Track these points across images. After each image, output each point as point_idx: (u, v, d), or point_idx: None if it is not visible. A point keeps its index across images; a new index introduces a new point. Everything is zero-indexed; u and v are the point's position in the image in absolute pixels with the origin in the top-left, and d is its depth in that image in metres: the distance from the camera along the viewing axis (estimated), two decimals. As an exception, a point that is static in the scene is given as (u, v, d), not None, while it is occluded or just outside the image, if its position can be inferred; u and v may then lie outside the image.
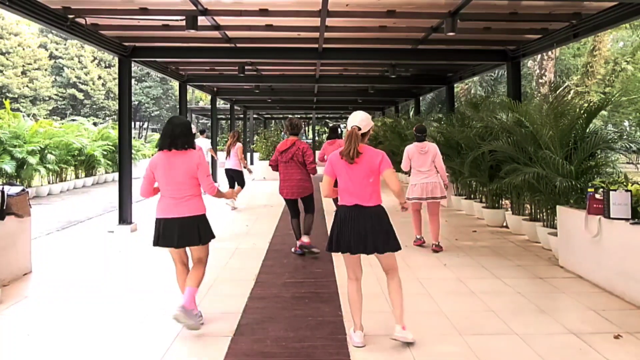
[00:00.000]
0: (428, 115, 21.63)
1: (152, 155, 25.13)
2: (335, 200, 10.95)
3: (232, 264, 7.70)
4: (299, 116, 39.14)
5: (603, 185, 6.58)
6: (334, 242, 4.75)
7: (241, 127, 33.94)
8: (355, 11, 8.86)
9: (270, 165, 8.56)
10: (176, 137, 5.03)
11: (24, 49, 48.58)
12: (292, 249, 8.41)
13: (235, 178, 12.96)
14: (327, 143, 12.37)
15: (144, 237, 9.77)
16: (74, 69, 51.79)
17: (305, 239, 8.21)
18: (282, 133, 36.18)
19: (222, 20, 9.54)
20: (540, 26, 10.02)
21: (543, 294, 6.22)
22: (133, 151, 15.65)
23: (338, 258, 7.88)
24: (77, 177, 22.07)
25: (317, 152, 11.22)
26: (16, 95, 46.23)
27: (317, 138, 44.51)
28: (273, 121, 50.31)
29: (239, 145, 13.05)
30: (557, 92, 9.50)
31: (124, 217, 10.80)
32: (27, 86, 47.85)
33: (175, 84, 47.99)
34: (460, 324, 5.17)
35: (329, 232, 4.88)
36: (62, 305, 5.89)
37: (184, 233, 5.05)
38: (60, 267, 7.65)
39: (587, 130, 8.32)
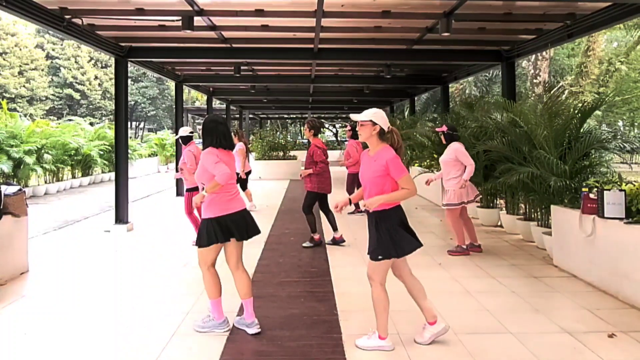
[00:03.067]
0: (423, 115, 21.62)
1: (149, 155, 25.04)
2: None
3: (229, 264, 7.71)
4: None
5: (597, 184, 6.61)
6: None
7: (237, 127, 33.94)
8: (351, 12, 8.89)
9: (324, 164, 8.88)
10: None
11: (20, 49, 48.61)
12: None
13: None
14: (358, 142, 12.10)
15: (140, 237, 9.80)
16: (70, 69, 51.80)
17: (337, 234, 9.03)
18: (278, 133, 36.24)
19: (218, 21, 9.56)
20: (535, 26, 10.06)
21: (537, 293, 6.25)
22: (129, 151, 15.69)
23: (333, 257, 7.94)
24: (73, 176, 22.07)
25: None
26: (13, 96, 46.25)
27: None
28: (269, 121, 50.36)
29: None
30: (552, 92, 9.52)
31: (121, 216, 10.81)
32: (23, 86, 47.85)
33: (171, 84, 48.03)
34: (454, 323, 5.18)
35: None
36: (59, 305, 5.91)
37: None
38: (57, 267, 7.65)
39: (581, 130, 8.36)
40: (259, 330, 5.00)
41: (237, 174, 12.54)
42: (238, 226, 4.99)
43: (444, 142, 8.42)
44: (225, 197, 4.98)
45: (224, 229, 4.93)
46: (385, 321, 4.64)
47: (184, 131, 9.05)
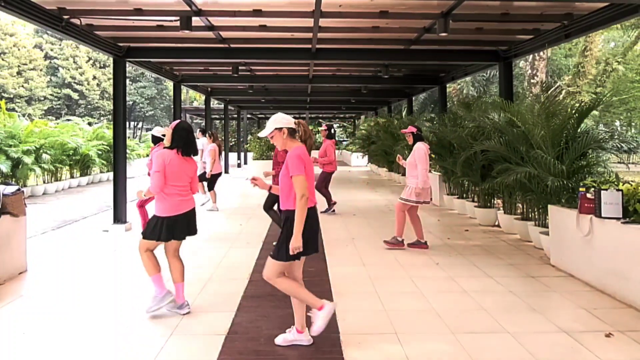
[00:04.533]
0: (421, 115, 21.66)
1: (147, 155, 25.29)
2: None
3: (226, 263, 7.73)
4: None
5: (594, 184, 6.63)
6: None
7: (234, 127, 34.01)
8: (348, 12, 8.91)
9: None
10: None
11: (19, 49, 48.69)
12: None
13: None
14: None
15: (138, 237, 9.77)
16: (69, 69, 51.85)
17: None
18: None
19: (216, 21, 9.58)
20: (532, 27, 10.09)
21: (535, 292, 6.27)
22: (128, 151, 15.69)
23: (331, 257, 7.95)
24: (72, 176, 22.05)
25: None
26: (11, 95, 46.29)
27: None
28: (267, 121, 50.39)
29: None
30: (549, 92, 9.56)
31: (119, 216, 10.82)
32: (22, 86, 47.90)
33: (169, 84, 48.09)
34: (452, 323, 5.21)
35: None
36: (57, 304, 5.91)
37: None
38: (55, 266, 7.65)
39: (579, 130, 8.38)
40: (190, 310, 5.56)
41: (204, 173, 12.77)
42: (181, 227, 5.50)
43: (410, 142, 8.56)
44: (177, 199, 5.45)
45: (170, 229, 5.42)
46: (303, 314, 4.67)
47: (158, 132, 8.82)
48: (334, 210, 12.28)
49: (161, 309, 5.46)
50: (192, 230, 5.65)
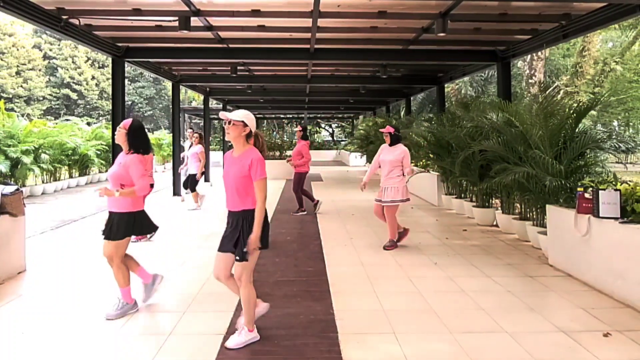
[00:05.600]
0: (419, 115, 21.67)
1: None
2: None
3: (225, 263, 7.73)
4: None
5: (592, 184, 6.65)
6: None
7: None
8: (347, 12, 8.93)
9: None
10: None
11: (18, 50, 48.72)
12: None
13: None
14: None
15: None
16: (67, 69, 51.85)
17: None
18: (274, 133, 36.34)
19: (215, 21, 9.59)
20: (530, 27, 10.11)
21: (533, 292, 6.27)
22: (126, 151, 15.66)
23: (330, 257, 7.95)
24: (71, 176, 22.03)
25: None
26: (10, 95, 46.29)
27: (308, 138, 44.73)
28: (265, 121, 50.41)
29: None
30: (547, 92, 9.55)
31: (117, 216, 10.80)
32: (21, 86, 47.90)
33: (168, 84, 48.07)
34: (450, 322, 5.22)
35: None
36: (56, 304, 5.91)
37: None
38: (54, 266, 7.65)
39: (577, 130, 8.38)
40: (137, 308, 5.66)
41: (194, 174, 12.76)
42: (145, 222, 5.72)
43: (388, 142, 8.55)
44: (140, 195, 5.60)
45: (137, 223, 5.59)
46: (254, 316, 4.77)
47: None
48: (304, 210, 12.22)
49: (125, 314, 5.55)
50: (153, 228, 5.87)
